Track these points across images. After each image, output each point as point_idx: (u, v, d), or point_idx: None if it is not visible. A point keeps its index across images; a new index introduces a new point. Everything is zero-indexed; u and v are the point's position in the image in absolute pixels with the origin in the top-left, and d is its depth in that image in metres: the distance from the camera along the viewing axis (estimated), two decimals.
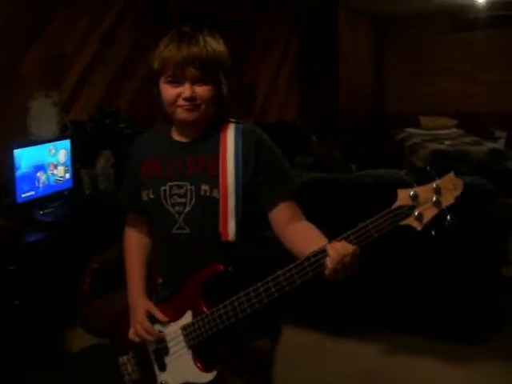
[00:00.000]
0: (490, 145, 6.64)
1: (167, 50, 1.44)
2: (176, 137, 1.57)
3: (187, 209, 1.49)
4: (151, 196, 1.54)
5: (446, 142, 6.84)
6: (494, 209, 2.93)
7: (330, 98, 7.01)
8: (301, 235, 1.47)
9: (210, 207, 1.47)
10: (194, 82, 1.44)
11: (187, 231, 1.49)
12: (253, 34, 5.97)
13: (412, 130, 7.59)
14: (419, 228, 1.24)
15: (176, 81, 1.45)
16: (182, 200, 1.49)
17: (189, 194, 1.49)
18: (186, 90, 1.44)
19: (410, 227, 1.25)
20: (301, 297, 2.80)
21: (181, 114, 1.47)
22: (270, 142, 1.54)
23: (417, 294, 3.07)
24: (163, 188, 1.52)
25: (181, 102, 1.45)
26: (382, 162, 6.56)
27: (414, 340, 3.08)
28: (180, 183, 1.50)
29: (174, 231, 1.51)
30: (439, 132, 7.47)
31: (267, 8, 6.16)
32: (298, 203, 1.54)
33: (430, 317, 3.06)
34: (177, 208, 1.50)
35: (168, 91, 1.47)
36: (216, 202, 1.46)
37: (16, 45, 3.60)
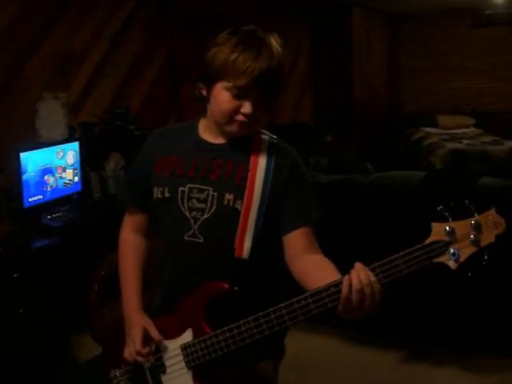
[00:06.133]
0: (510, 144, 6.48)
1: (242, 57, 1.28)
2: (204, 136, 1.43)
3: (205, 216, 1.37)
4: (166, 195, 1.41)
5: (465, 141, 6.70)
6: None
7: (344, 97, 6.89)
8: (315, 267, 1.36)
9: (230, 219, 1.36)
10: (259, 99, 1.32)
11: (200, 240, 1.38)
12: None
13: (429, 130, 7.43)
14: (454, 267, 1.15)
15: (242, 95, 1.31)
16: (202, 205, 1.37)
17: (210, 200, 1.37)
18: (247, 105, 1.31)
19: (443, 265, 1.16)
20: None
21: (233, 127, 1.35)
22: (304, 166, 1.45)
23: (440, 301, 2.89)
24: (181, 189, 1.39)
25: (240, 116, 1.32)
26: (398, 162, 6.44)
27: (434, 350, 2.90)
28: (202, 187, 1.38)
29: (185, 238, 1.39)
30: (457, 131, 7.32)
31: (277, 8, 6.02)
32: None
33: (453, 324, 2.89)
34: (194, 213, 1.38)
35: (228, 102, 1.32)
36: (237, 214, 1.35)
37: (23, 45, 3.52)
